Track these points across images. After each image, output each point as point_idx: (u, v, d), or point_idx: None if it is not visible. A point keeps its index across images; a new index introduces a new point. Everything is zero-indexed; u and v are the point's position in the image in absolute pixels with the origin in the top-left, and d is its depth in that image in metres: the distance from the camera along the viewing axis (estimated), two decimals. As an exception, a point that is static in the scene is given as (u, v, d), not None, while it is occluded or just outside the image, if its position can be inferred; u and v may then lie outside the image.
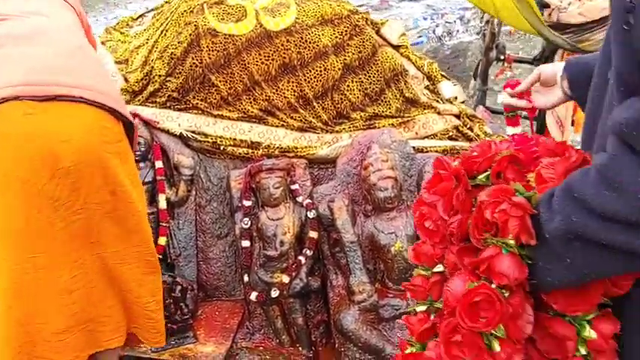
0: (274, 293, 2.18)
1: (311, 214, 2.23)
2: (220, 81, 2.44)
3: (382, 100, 2.55)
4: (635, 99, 0.79)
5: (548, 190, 0.90)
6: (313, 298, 2.30)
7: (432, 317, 1.05)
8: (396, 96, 2.57)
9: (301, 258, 2.21)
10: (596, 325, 0.93)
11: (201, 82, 2.45)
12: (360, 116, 2.52)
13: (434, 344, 1.00)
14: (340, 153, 2.38)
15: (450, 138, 2.52)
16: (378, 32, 2.71)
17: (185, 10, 2.57)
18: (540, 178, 0.93)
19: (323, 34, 2.51)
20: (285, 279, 2.18)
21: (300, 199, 2.26)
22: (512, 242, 0.89)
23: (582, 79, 1.17)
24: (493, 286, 0.90)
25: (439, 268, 1.04)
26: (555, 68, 1.35)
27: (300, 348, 2.28)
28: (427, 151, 2.39)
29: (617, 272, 0.88)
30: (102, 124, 1.61)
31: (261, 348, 2.24)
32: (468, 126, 2.58)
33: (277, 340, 2.28)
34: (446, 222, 1.00)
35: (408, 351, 1.07)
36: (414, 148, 2.36)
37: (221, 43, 2.43)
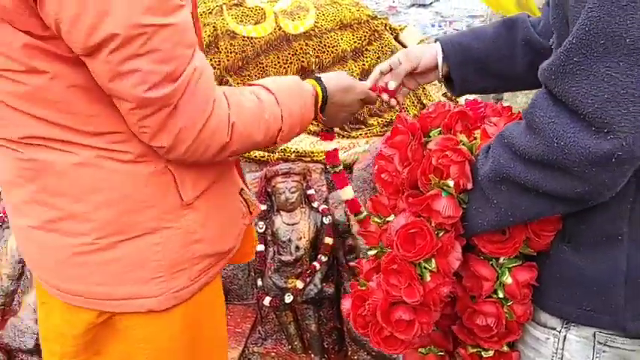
0: (288, 298, 2.16)
1: (326, 220, 2.21)
2: (238, 83, 2.42)
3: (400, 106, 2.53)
4: (561, 48, 0.83)
5: (488, 141, 1.01)
6: (326, 305, 2.28)
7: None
8: (413, 102, 2.55)
9: (316, 264, 2.18)
10: (515, 273, 1.03)
11: (219, 83, 2.42)
12: (377, 122, 2.50)
13: (376, 277, 1.12)
14: (357, 159, 2.35)
15: (468, 146, 2.50)
16: (396, 38, 2.70)
17: (204, 12, 2.56)
18: (485, 133, 1.05)
19: (342, 39, 2.49)
20: (300, 284, 2.16)
21: (315, 204, 2.24)
22: (451, 184, 1.00)
23: (461, 59, 1.26)
24: (432, 225, 1.02)
25: (391, 217, 1.14)
26: (430, 51, 1.29)
27: (312, 355, 2.26)
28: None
29: (538, 215, 0.96)
30: None
31: (273, 354, 2.22)
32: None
33: (289, 346, 2.26)
34: (400, 174, 1.10)
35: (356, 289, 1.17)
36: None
37: (239, 45, 2.42)
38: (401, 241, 1.03)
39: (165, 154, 1.02)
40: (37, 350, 2.12)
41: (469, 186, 1.01)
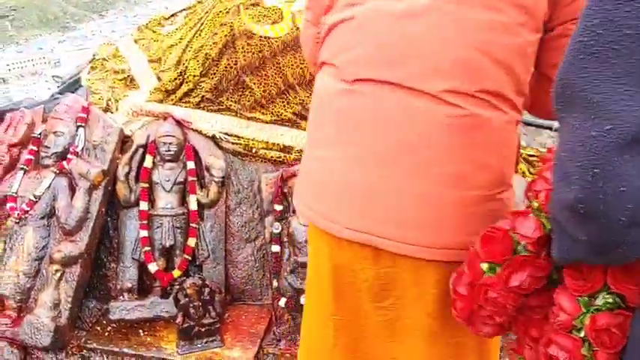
0: (304, 300, 2.14)
1: (343, 221, 2.19)
2: (254, 83, 2.42)
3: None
4: None
5: None
6: (342, 307, 2.27)
7: None
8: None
9: (332, 265, 2.17)
10: (598, 316, 0.95)
11: (236, 83, 2.43)
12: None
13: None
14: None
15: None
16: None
17: (221, 11, 2.55)
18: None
19: (359, 39, 2.48)
20: (315, 286, 2.15)
21: (332, 205, 2.23)
22: (536, 204, 0.98)
23: None
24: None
25: None
26: None
27: (326, 356, 2.24)
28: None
29: (578, 259, 0.88)
30: None
31: (287, 355, 2.21)
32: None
33: (304, 348, 2.25)
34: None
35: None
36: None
37: (256, 45, 2.41)
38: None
39: None
40: (52, 348, 2.13)
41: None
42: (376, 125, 1.11)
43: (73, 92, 3.08)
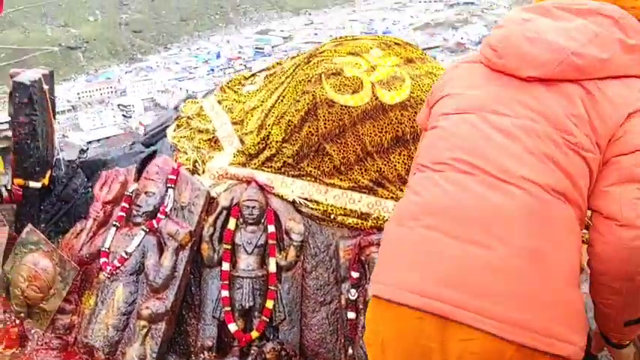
0: (378, 369, 2.17)
1: (419, 292, 2.22)
2: (334, 150, 2.51)
3: (493, 178, 2.54)
4: None
5: None
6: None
7: None
8: None
9: (407, 335, 2.20)
10: None
11: (316, 150, 2.53)
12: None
13: None
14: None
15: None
16: (490, 108, 2.72)
17: (303, 79, 2.67)
18: None
19: (437, 109, 2.54)
20: (391, 356, 2.17)
21: (408, 275, 2.26)
22: None
23: None
24: None
25: None
26: None
27: None
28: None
29: None
30: None
31: (359, 422, 2.23)
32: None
33: (376, 416, 2.27)
34: None
35: None
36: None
37: (337, 113, 2.51)
38: None
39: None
40: (136, 401, 2.23)
41: None
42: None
43: (154, 144, 3.30)
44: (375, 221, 2.42)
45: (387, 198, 2.49)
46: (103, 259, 2.44)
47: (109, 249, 2.46)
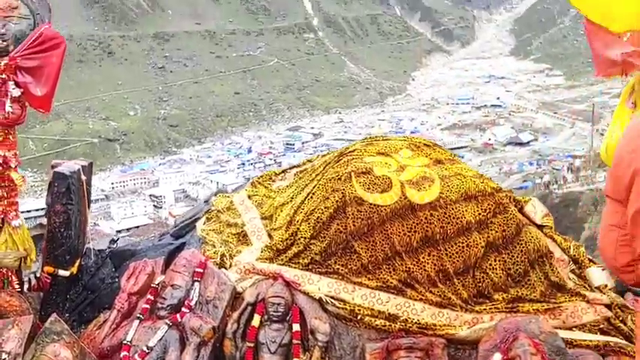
0: None
1: (449, 402, 2.11)
2: (362, 248, 2.49)
3: (526, 283, 2.47)
4: None
5: None
6: None
7: None
8: (540, 279, 2.48)
9: None
10: None
11: (344, 248, 2.52)
12: (503, 297, 2.43)
13: None
14: (481, 335, 2.28)
15: (602, 331, 2.36)
16: (520, 210, 2.70)
17: (333, 177, 2.71)
18: None
19: (466, 210, 2.53)
20: None
21: (437, 383, 2.16)
22: None
23: None
24: None
25: None
26: None
27: None
28: (578, 345, 2.24)
29: None
30: None
31: None
32: (621, 318, 2.41)
33: None
34: None
35: None
36: (563, 340, 2.22)
37: (366, 211, 2.52)
38: None
39: None
40: None
41: None
42: None
43: (183, 236, 3.33)
44: (403, 323, 2.35)
45: (415, 300, 2.43)
46: (123, 353, 2.39)
47: (130, 342, 2.41)
